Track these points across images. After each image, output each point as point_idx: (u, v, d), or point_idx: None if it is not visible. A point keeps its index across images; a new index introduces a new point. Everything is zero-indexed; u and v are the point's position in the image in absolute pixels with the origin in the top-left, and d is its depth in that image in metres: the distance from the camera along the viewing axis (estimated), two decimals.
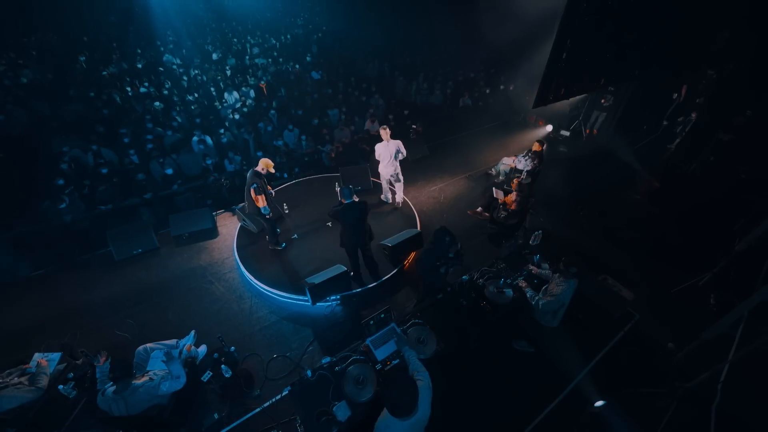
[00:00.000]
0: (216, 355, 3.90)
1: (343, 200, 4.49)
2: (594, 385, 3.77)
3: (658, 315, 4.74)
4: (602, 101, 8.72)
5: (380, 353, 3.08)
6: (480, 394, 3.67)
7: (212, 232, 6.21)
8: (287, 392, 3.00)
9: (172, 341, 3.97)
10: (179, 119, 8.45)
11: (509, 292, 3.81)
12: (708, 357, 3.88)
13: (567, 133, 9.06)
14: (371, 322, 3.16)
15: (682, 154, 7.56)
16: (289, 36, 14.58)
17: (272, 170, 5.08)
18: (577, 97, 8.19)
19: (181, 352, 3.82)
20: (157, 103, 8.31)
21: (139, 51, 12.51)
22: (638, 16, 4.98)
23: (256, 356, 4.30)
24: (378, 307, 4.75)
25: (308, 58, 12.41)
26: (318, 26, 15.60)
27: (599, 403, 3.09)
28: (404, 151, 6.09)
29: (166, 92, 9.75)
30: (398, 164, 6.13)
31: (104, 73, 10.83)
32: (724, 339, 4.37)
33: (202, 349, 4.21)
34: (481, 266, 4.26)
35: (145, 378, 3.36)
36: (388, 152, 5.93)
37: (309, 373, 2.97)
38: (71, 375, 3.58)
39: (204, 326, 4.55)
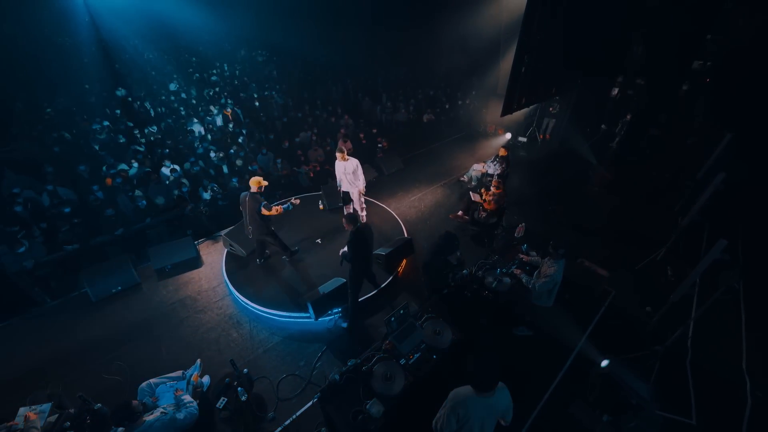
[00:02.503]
0: (227, 380, 3.77)
1: (350, 226, 4.12)
2: (594, 349, 4.17)
3: (629, 289, 5.32)
4: (551, 109, 9.78)
5: (404, 347, 3.20)
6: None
7: (196, 262, 5.98)
8: (317, 399, 3.01)
9: (178, 373, 3.78)
10: (139, 155, 8.12)
11: (507, 280, 4.13)
12: (677, 319, 4.45)
13: (524, 139, 9.97)
14: (392, 318, 3.28)
15: (626, 148, 8.65)
16: (247, 64, 14.68)
17: (265, 183, 5.00)
18: (529, 107, 9.12)
19: (188, 383, 3.65)
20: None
21: (87, 86, 11.93)
22: (576, 34, 5.84)
23: (264, 379, 4.18)
24: (381, 314, 4.89)
25: (273, 91, 12.51)
26: (276, 51, 15.83)
27: (605, 363, 3.42)
28: (361, 175, 5.78)
29: (123, 126, 9.34)
30: (357, 185, 5.87)
31: (48, 110, 10.18)
32: (688, 302, 5.04)
33: (206, 379, 4.05)
34: (477, 260, 4.57)
35: (157, 414, 3.19)
36: (341, 173, 5.86)
37: (336, 377, 3.01)
38: (68, 424, 3.27)
39: (204, 356, 4.35)
